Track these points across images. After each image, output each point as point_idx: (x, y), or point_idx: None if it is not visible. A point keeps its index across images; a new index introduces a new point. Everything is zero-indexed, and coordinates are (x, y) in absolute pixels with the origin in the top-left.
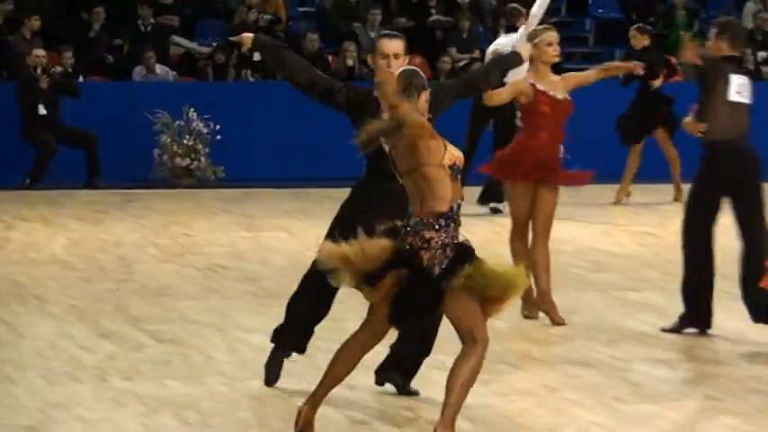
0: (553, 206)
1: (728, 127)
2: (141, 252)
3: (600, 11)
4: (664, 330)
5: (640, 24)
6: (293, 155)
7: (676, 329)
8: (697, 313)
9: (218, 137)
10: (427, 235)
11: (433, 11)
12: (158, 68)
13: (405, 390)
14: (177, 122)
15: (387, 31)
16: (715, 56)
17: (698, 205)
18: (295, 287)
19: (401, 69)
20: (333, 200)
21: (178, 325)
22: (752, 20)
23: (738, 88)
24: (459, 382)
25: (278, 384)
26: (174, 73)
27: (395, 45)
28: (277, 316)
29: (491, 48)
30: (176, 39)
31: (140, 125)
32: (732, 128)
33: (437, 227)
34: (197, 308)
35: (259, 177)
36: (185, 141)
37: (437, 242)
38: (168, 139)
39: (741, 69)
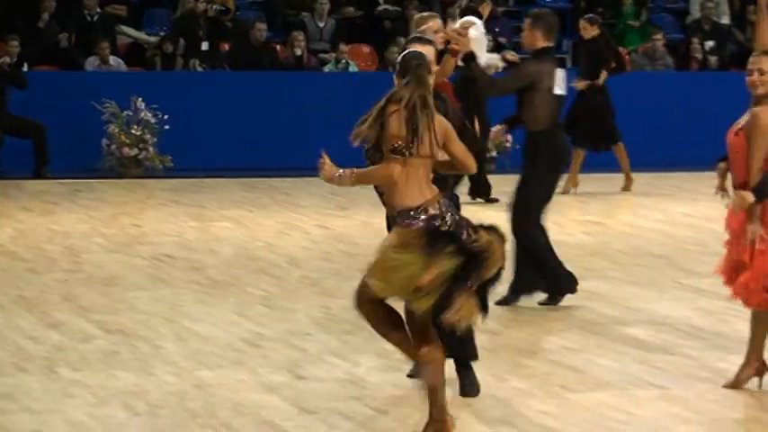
0: None
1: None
2: (89, 242)
3: (548, 0)
4: (540, 304)
5: (590, 15)
6: (241, 145)
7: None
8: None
9: (166, 126)
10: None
11: (380, 0)
12: (112, 59)
13: None
14: (125, 112)
15: (418, 35)
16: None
17: (549, 191)
18: (243, 277)
19: (405, 52)
20: (281, 190)
21: (126, 315)
22: (699, 9)
23: (559, 81)
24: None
25: (225, 374)
26: (119, 61)
27: (426, 50)
28: (224, 306)
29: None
30: (123, 28)
31: (89, 115)
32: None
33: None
34: (145, 298)
35: (206, 167)
36: (133, 131)
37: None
38: (116, 129)
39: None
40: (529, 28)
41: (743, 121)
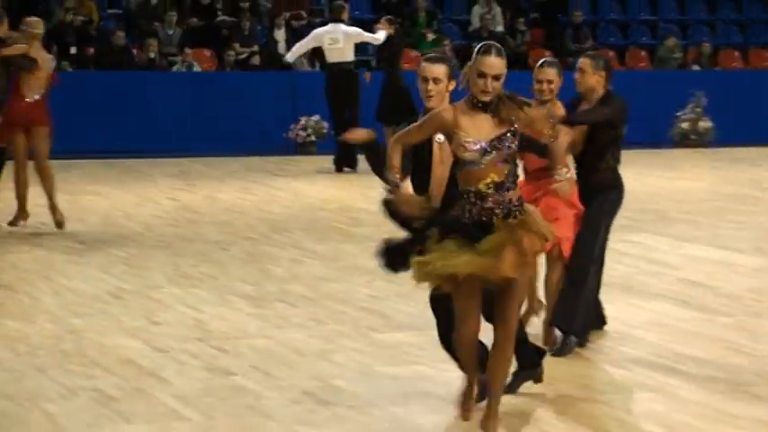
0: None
1: None
2: None
3: (356, 12)
4: None
5: (389, 16)
6: (103, 131)
7: None
8: None
9: None
10: None
11: (219, 12)
12: None
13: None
14: None
15: (430, 54)
16: None
17: None
18: (107, 241)
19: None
20: (135, 169)
21: (10, 273)
22: (479, 20)
23: None
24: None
25: (93, 321)
26: None
27: (435, 69)
28: (92, 265)
29: (318, 31)
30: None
31: None
32: None
33: None
34: (26, 259)
35: (75, 150)
36: None
37: None
38: None
39: None
40: None
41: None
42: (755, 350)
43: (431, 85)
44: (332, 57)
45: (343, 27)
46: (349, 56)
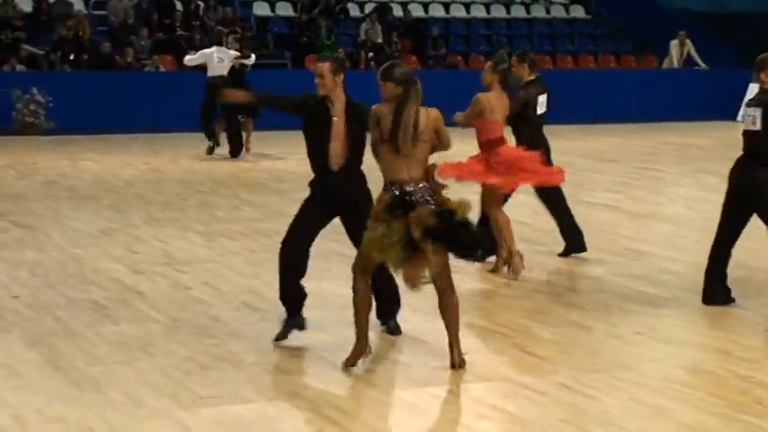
0: None
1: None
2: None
3: (276, 29)
4: None
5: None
6: (98, 113)
7: None
8: None
9: (51, 105)
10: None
11: (178, 28)
12: (18, 68)
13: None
14: (27, 95)
15: (318, 55)
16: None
17: None
18: (99, 195)
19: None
20: (118, 141)
21: (30, 217)
22: (365, 34)
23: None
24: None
25: (88, 252)
26: (22, 67)
27: (319, 67)
28: (88, 210)
29: (206, 51)
30: (25, 46)
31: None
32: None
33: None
34: (41, 206)
35: (74, 126)
36: (31, 107)
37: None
38: (21, 106)
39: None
40: (516, 65)
41: None
42: (560, 268)
43: (318, 80)
44: (216, 71)
45: (227, 50)
46: (225, 71)
